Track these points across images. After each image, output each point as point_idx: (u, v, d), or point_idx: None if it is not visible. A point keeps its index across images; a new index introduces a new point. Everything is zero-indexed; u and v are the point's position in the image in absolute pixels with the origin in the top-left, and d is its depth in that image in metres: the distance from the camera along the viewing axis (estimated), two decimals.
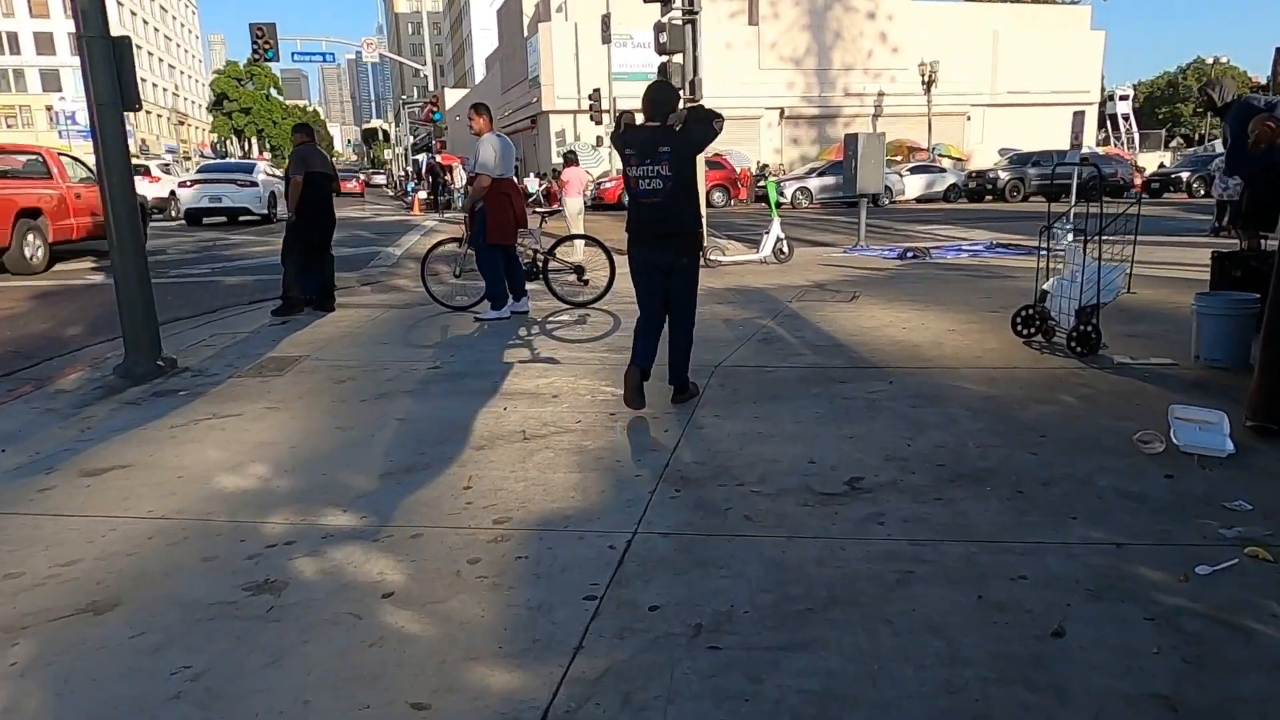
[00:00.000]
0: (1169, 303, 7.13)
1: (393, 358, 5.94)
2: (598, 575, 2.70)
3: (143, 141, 74.87)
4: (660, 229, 4.43)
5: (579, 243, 9.70)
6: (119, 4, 78.37)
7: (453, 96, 59.46)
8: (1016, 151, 31.31)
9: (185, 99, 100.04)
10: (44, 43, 72.60)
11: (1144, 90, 77.52)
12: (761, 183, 22.46)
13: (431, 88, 35.97)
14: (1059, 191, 12.44)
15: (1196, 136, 61.60)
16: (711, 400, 4.65)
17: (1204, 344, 5.07)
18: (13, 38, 74.16)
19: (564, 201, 12.49)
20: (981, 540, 2.86)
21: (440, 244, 8.58)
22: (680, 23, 11.83)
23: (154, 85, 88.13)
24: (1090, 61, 44.15)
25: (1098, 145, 40.79)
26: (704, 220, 4.87)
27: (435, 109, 31.49)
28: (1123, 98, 48.67)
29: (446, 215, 25.04)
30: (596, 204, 26.23)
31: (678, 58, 11.96)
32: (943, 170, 30.51)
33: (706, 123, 4.44)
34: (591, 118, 32.66)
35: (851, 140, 12.58)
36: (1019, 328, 5.84)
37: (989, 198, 27.95)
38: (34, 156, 13.10)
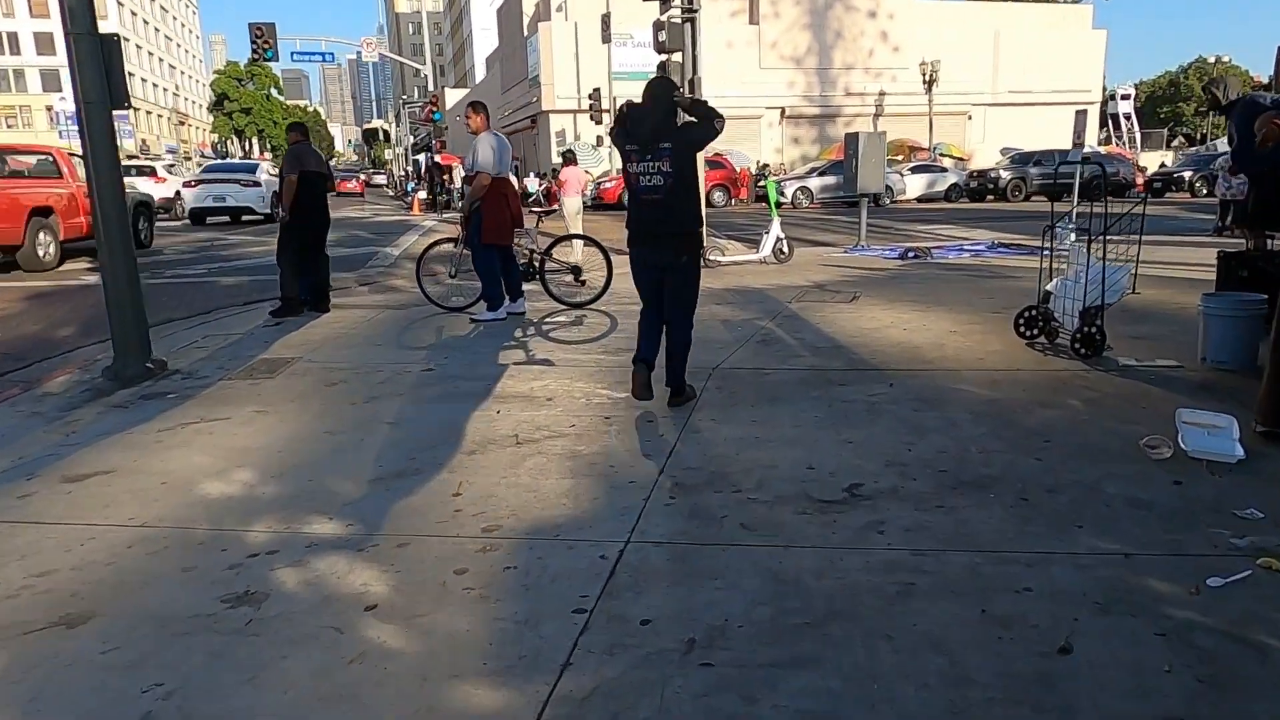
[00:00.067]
0: (1173, 303, 7.04)
1: (386, 360, 5.86)
2: (588, 587, 2.61)
3: (143, 141, 74.91)
4: (661, 227, 4.38)
5: (577, 243, 9.61)
6: (119, 4, 78.39)
7: (453, 96, 59.37)
8: (1018, 151, 31.18)
9: (186, 99, 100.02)
10: (44, 43, 72.49)
11: (1145, 90, 77.34)
12: (762, 182, 22.38)
13: (431, 88, 35.91)
14: (1061, 191, 12.36)
15: (1198, 136, 61.48)
16: (709, 403, 4.56)
17: (1210, 346, 4.97)
18: (13, 38, 74.14)
19: (562, 201, 12.39)
20: (985, 550, 2.77)
21: (436, 244, 8.49)
22: (679, 21, 11.74)
23: (154, 85, 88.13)
24: (1092, 61, 44.02)
25: (1099, 144, 40.66)
26: (704, 220, 4.78)
27: (435, 109, 31.41)
28: (1124, 97, 48.52)
29: (446, 215, 24.94)
30: (596, 203, 26.17)
31: (677, 56, 11.87)
32: (944, 170, 30.40)
33: (709, 121, 4.38)
34: (591, 117, 32.57)
35: (852, 140, 12.49)
36: (1022, 329, 5.75)
37: (990, 197, 27.84)
38: (45, 156, 13.27)
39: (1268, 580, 2.53)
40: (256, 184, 21.21)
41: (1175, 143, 55.57)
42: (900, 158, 32.49)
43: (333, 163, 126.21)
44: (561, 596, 2.56)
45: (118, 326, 5.52)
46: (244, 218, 21.50)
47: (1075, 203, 10.63)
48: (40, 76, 73.75)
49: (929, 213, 22.97)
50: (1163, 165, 35.63)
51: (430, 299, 7.86)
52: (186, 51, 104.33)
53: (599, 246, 8.09)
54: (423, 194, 29.62)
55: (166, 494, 3.51)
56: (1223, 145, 34.26)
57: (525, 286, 7.67)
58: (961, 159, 35.41)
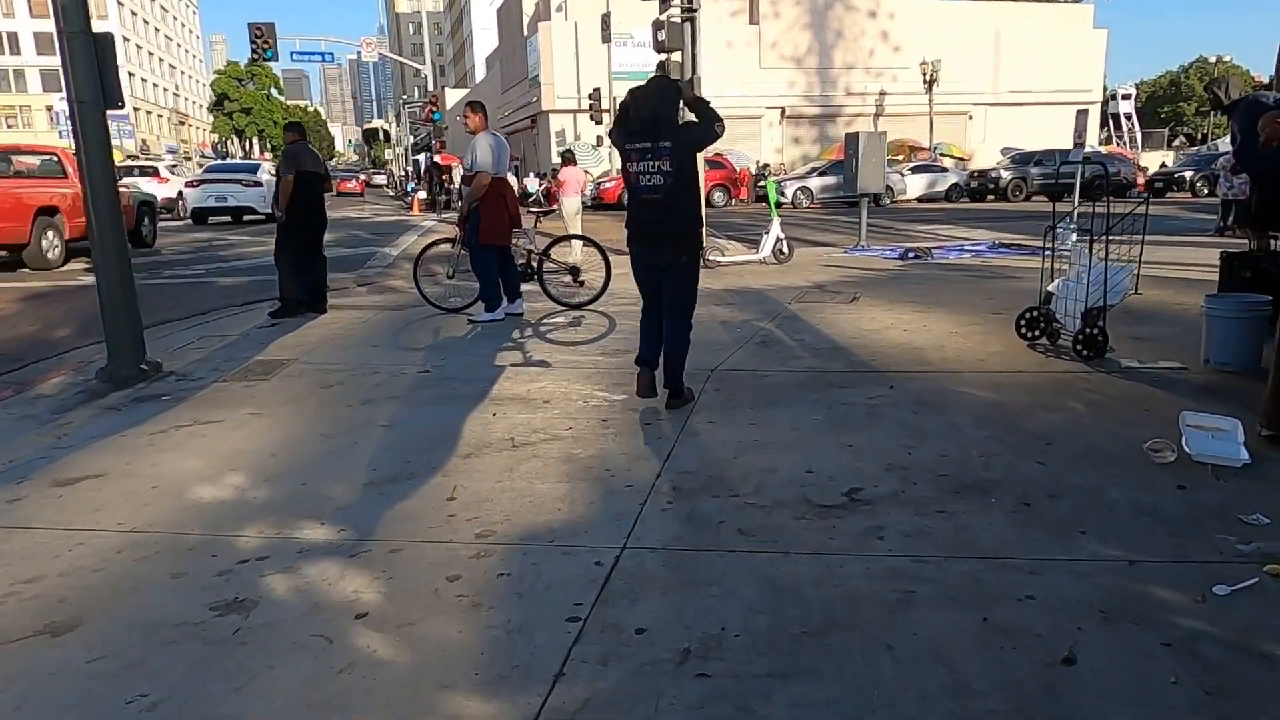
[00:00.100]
0: (1175, 304, 6.99)
1: (382, 361, 5.81)
2: (582, 594, 2.57)
3: (143, 141, 74.88)
4: (661, 227, 4.35)
5: (576, 243, 9.56)
6: (119, 3, 78.35)
7: (453, 96, 59.31)
8: (1019, 151, 31.13)
9: (186, 99, 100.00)
10: (44, 43, 72.40)
11: (1146, 89, 77.25)
12: (761, 183, 22.32)
13: (431, 87, 35.87)
14: (1062, 191, 12.31)
15: (1199, 135, 61.41)
16: (707, 405, 4.52)
17: (1214, 347, 4.93)
18: (13, 38, 74.14)
19: (561, 201, 12.35)
20: (986, 556, 2.72)
21: (434, 244, 8.46)
22: (679, 20, 11.70)
23: (154, 85, 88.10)
24: (1092, 60, 43.95)
25: (1100, 144, 40.61)
26: (704, 221, 4.73)
27: (435, 109, 31.38)
28: (1125, 97, 48.45)
29: (445, 215, 24.89)
30: (596, 204, 26.12)
31: (676, 56, 11.83)
32: (944, 170, 30.35)
33: (709, 123, 4.35)
34: (591, 117, 32.54)
35: (853, 139, 12.44)
36: (1023, 330, 5.70)
37: (991, 197, 27.79)
38: (50, 157, 13.46)
39: (1275, 588, 2.48)
40: (258, 184, 21.38)
41: (1176, 142, 55.48)
42: (901, 158, 32.44)
43: (333, 163, 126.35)
44: (555, 604, 2.52)
45: (111, 328, 5.48)
46: (245, 218, 21.60)
47: (1077, 203, 10.58)
48: (40, 77, 73.73)
49: (929, 213, 22.93)
50: (1163, 165, 35.55)
51: (428, 300, 7.82)
52: (186, 51, 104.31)
53: (597, 247, 8.05)
54: (422, 194, 29.57)
55: (158, 498, 3.47)
56: (1223, 145, 34.21)
57: (523, 287, 7.62)
58: (962, 159, 35.37)
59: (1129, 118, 47.34)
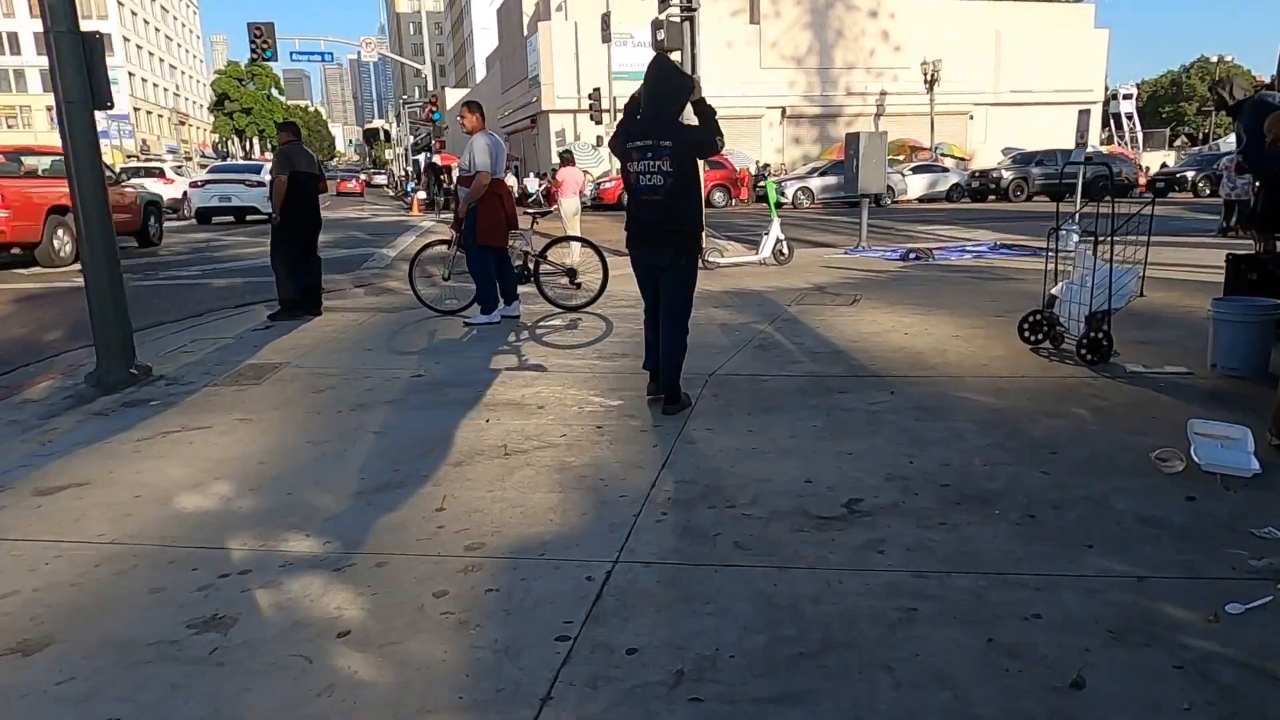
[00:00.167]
0: (1180, 306, 6.90)
1: (375, 365, 5.73)
2: (573, 612, 2.48)
3: (143, 141, 74.83)
4: (660, 227, 4.30)
5: (575, 245, 9.47)
6: (119, 4, 78.31)
7: (454, 96, 59.23)
8: (1020, 151, 31.04)
9: (186, 99, 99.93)
10: (45, 43, 72.42)
11: (1147, 89, 77.14)
12: (761, 183, 22.23)
13: (431, 87, 35.77)
14: (1064, 191, 12.22)
15: (1200, 135, 61.29)
16: (704, 412, 4.43)
17: (1221, 352, 4.84)
18: (13, 38, 74.10)
19: (560, 202, 12.26)
20: (990, 572, 2.63)
21: (430, 245, 8.36)
22: (678, 20, 11.62)
23: (154, 85, 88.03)
24: (1094, 60, 43.86)
25: (1101, 144, 40.51)
26: (704, 224, 4.64)
27: (435, 109, 31.27)
28: (1126, 96, 48.34)
29: (444, 215, 24.81)
30: (596, 204, 26.04)
31: (676, 55, 11.74)
32: (945, 170, 30.26)
33: (712, 131, 4.32)
34: (591, 117, 32.46)
35: (853, 140, 12.35)
36: (1026, 334, 5.61)
37: (992, 197, 27.70)
38: (60, 157, 13.48)
39: None
40: (261, 184, 21.51)
41: (1178, 142, 55.36)
42: (901, 158, 32.36)
43: (333, 162, 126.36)
44: (544, 622, 2.43)
45: (100, 331, 5.40)
46: (248, 218, 21.63)
47: (1079, 203, 10.50)
48: (40, 77, 73.55)
49: (930, 213, 22.84)
50: (1164, 165, 35.46)
51: (423, 302, 7.73)
52: (187, 51, 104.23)
53: (595, 249, 7.96)
54: (422, 194, 29.49)
55: (140, 508, 3.38)
56: (1225, 145, 34.14)
57: (520, 289, 7.54)
58: (963, 159, 35.27)
59: (1130, 117, 47.23)
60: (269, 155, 78.99)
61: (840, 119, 40.84)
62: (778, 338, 6.29)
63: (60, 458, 4.02)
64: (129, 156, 48.32)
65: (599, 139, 34.21)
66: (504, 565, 2.80)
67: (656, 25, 11.65)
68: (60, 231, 12.21)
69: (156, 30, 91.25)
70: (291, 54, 30.52)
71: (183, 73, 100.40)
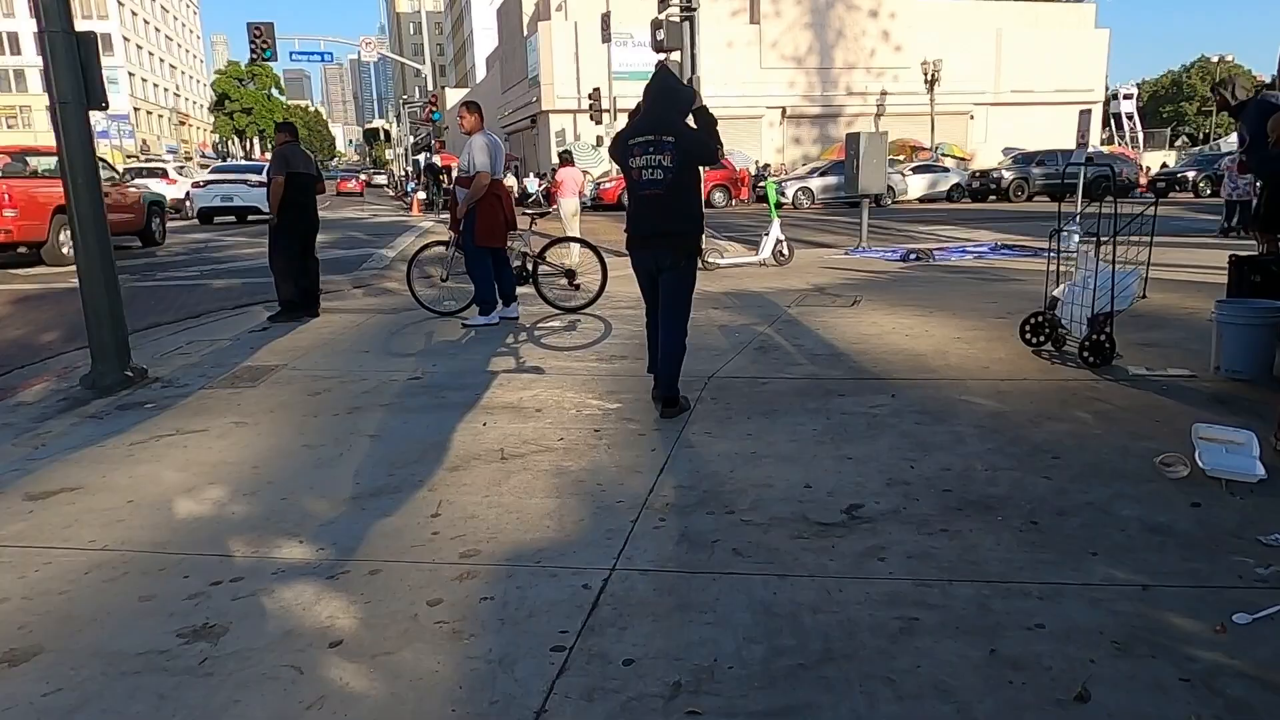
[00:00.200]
0: (1182, 308, 6.86)
1: (372, 367, 5.69)
2: (569, 621, 2.44)
3: (143, 142, 74.81)
4: (661, 225, 4.27)
5: (574, 246, 9.42)
6: (119, 4, 78.27)
7: (454, 96, 59.20)
8: (1020, 151, 31.00)
9: (186, 99, 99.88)
10: (39, 43, 72.32)
11: (1148, 89, 77.10)
12: (761, 183, 22.18)
13: (430, 87, 35.72)
14: (1065, 191, 12.17)
15: (1201, 135, 61.25)
16: (702, 415, 4.39)
17: (1225, 355, 4.79)
18: (13, 38, 74.04)
19: (559, 202, 12.23)
20: (993, 580, 2.59)
21: (429, 246, 8.32)
22: (678, 19, 11.58)
23: (154, 85, 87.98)
24: (1094, 60, 43.83)
25: (1101, 144, 40.46)
26: (704, 227, 4.60)
27: (434, 109, 31.23)
28: (1126, 96, 48.33)
29: (442, 215, 24.77)
30: (596, 204, 26.00)
31: (675, 55, 11.70)
32: (946, 170, 30.21)
33: (714, 138, 4.32)
34: (591, 117, 32.42)
35: (853, 140, 12.31)
36: (1028, 336, 5.57)
37: (992, 198, 27.66)
38: None
39: None
40: (264, 184, 21.49)
41: (1179, 142, 55.32)
42: (902, 158, 32.32)
43: (334, 162, 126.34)
44: (540, 632, 2.39)
45: (95, 333, 5.36)
46: (249, 218, 21.65)
47: (1079, 204, 10.46)
48: (41, 77, 73.63)
49: (931, 213, 22.79)
50: (1164, 165, 35.42)
51: (421, 303, 7.70)
52: (187, 51, 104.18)
53: (594, 250, 7.92)
54: (422, 194, 29.46)
55: (132, 514, 3.34)
56: (1226, 145, 34.09)
57: (518, 290, 7.49)
58: (963, 159, 35.23)
59: (1130, 117, 47.22)
60: (269, 155, 78.88)
61: (840, 119, 40.81)
62: (778, 339, 6.25)
63: (53, 462, 3.99)
64: (129, 157, 48.35)
65: (599, 139, 34.17)
66: (499, 573, 2.76)
67: (656, 25, 11.62)
68: (66, 231, 12.27)
69: (157, 30, 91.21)
70: (291, 54, 30.50)
71: (183, 73, 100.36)
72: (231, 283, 10.74)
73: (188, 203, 23.75)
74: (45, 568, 2.91)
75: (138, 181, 19.71)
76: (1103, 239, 5.08)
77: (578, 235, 10.67)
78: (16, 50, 74.36)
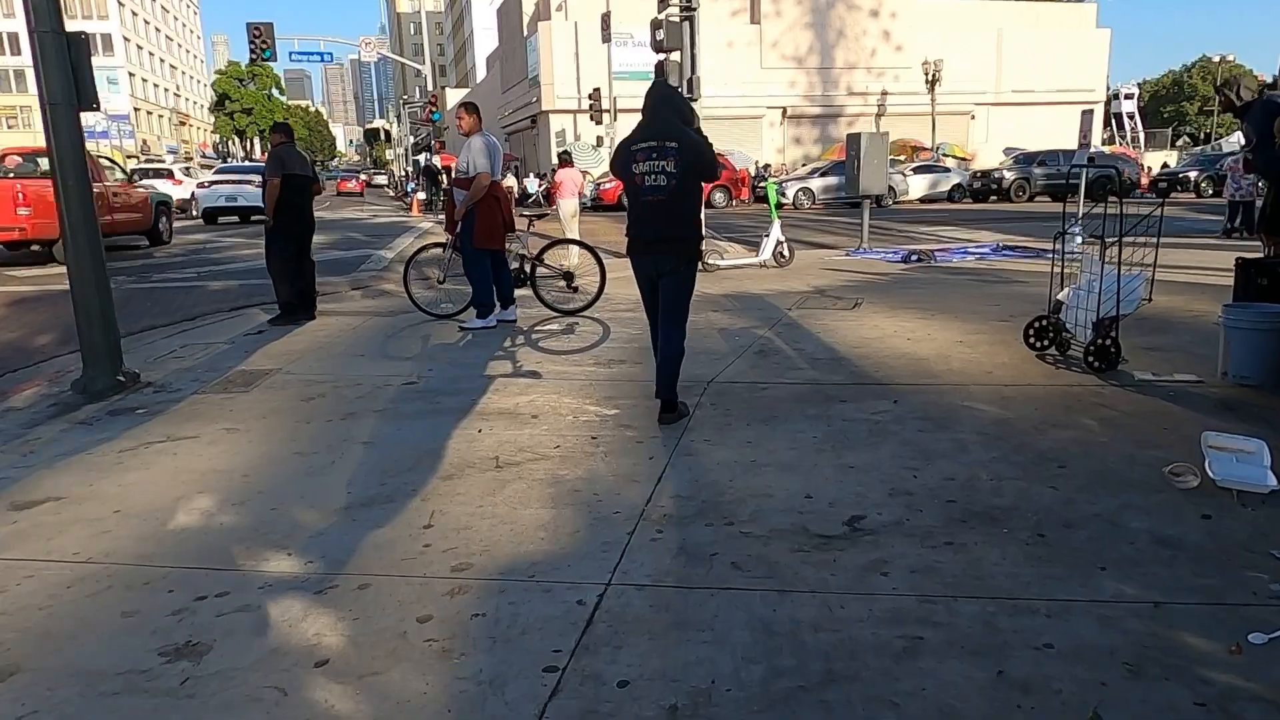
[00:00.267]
0: (1187, 311, 6.78)
1: (368, 372, 5.61)
2: (562, 639, 2.37)
3: (143, 142, 74.74)
4: (664, 231, 4.22)
5: (572, 247, 9.36)
6: (119, 4, 78.20)
7: (454, 96, 59.13)
8: (1021, 151, 30.91)
9: (187, 99, 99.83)
10: (30, 44, 72.18)
11: (1149, 89, 77.00)
12: (762, 184, 22.11)
13: (430, 87, 35.65)
14: (1067, 192, 12.09)
15: (1202, 135, 61.15)
16: (701, 422, 4.32)
17: (1232, 360, 4.72)
18: (13, 38, 73.91)
19: (558, 204, 12.16)
20: (1000, 596, 2.52)
21: (426, 248, 8.25)
22: (678, 19, 11.51)
23: (155, 85, 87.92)
24: (1095, 60, 43.74)
25: (1103, 144, 40.37)
26: (704, 234, 4.55)
27: (434, 109, 31.16)
28: (1128, 96, 48.25)
29: (441, 217, 24.73)
30: (596, 205, 25.93)
31: (675, 55, 11.63)
32: (947, 170, 30.13)
33: (711, 153, 4.30)
34: (592, 117, 32.33)
35: (854, 140, 12.24)
36: (1032, 340, 5.50)
37: (994, 198, 27.57)
38: None
39: None
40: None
41: (1180, 142, 55.22)
42: (903, 158, 32.23)
43: (334, 162, 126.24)
44: (532, 651, 2.32)
45: (86, 337, 5.30)
46: (253, 218, 21.69)
47: (1082, 206, 10.37)
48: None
49: (932, 213, 22.72)
50: (1165, 165, 35.34)
51: (418, 306, 7.62)
52: (187, 51, 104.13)
53: (592, 252, 7.85)
54: (421, 195, 29.40)
55: (118, 524, 3.27)
56: (1227, 145, 34.01)
57: (516, 292, 7.42)
58: (964, 159, 35.15)
59: (1131, 117, 47.14)
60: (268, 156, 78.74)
61: (841, 119, 40.73)
62: (778, 343, 6.17)
63: (40, 470, 3.91)
64: (129, 157, 48.30)
65: (599, 139, 34.11)
66: (492, 588, 2.69)
67: (656, 25, 11.55)
68: None
69: (157, 30, 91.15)
70: (290, 54, 30.43)
71: (183, 73, 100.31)
72: (229, 284, 10.67)
73: (193, 203, 24.02)
74: (27, 581, 2.83)
75: (145, 182, 19.86)
76: (1108, 241, 5.00)
77: (577, 237, 10.60)
78: (16, 50, 74.21)
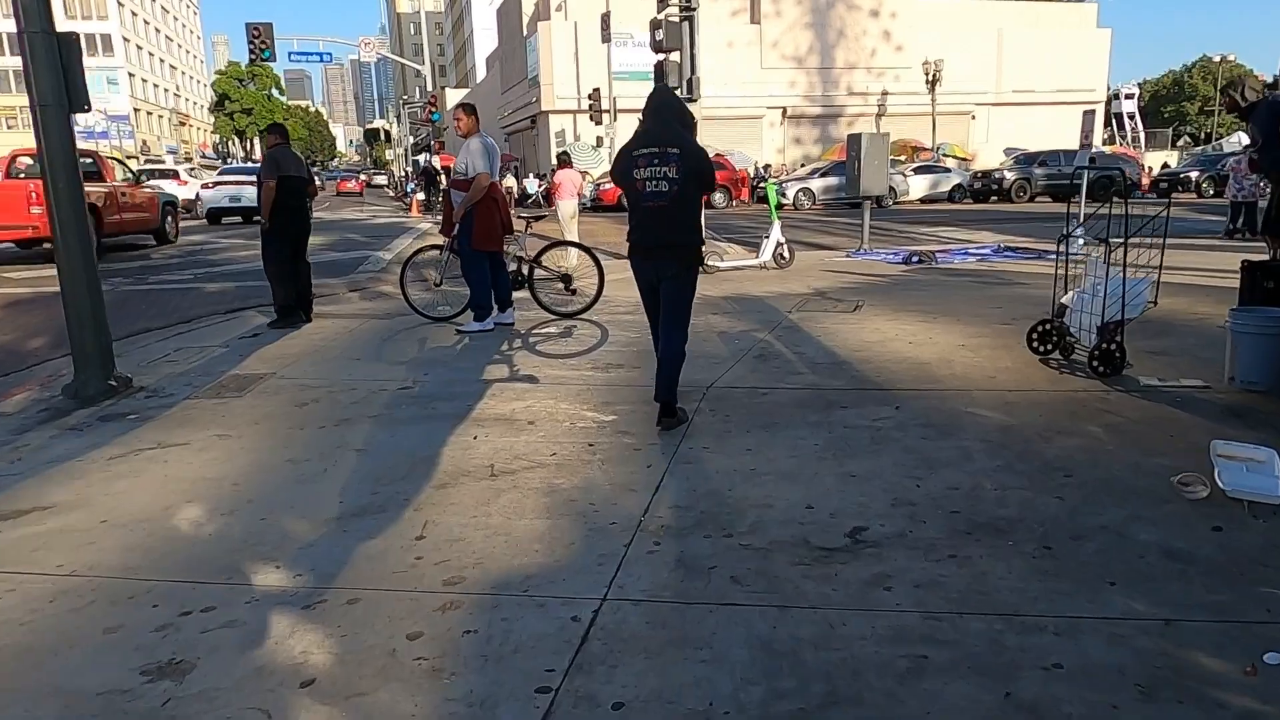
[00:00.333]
0: (1192, 314, 6.71)
1: (363, 376, 5.55)
2: (556, 657, 2.30)
3: (143, 142, 74.66)
4: (665, 236, 4.18)
5: (571, 249, 9.29)
6: (119, 4, 78.13)
7: (454, 96, 59.07)
8: (1022, 151, 30.85)
9: (187, 99, 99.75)
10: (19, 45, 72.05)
11: (1149, 89, 76.92)
12: (761, 185, 22.04)
13: (430, 88, 35.58)
14: (1068, 192, 12.03)
15: (1203, 135, 61.08)
16: (700, 429, 4.25)
17: (1240, 365, 4.64)
18: (13, 38, 73.86)
19: (557, 205, 12.09)
20: (1006, 613, 2.45)
21: (424, 249, 8.18)
22: (677, 19, 11.44)
23: (155, 85, 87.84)
24: (1096, 60, 43.68)
25: (1103, 144, 40.31)
26: (703, 234, 4.50)
27: (434, 109, 31.08)
28: (1128, 96, 48.19)
29: (439, 217, 24.66)
30: (596, 205, 25.87)
31: (675, 55, 11.57)
32: (947, 170, 30.07)
33: (709, 165, 4.26)
34: (591, 118, 32.26)
35: (855, 140, 12.17)
36: (1035, 344, 5.43)
37: (994, 198, 27.51)
38: (87, 159, 14.23)
39: None
40: None
41: (1181, 142, 55.16)
42: (903, 158, 32.18)
43: (334, 163, 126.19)
44: (525, 670, 2.25)
45: (76, 337, 5.22)
46: (255, 218, 21.61)
47: (1083, 207, 10.29)
48: None
49: (932, 214, 22.65)
50: (1165, 165, 35.26)
51: (415, 308, 7.55)
52: (187, 52, 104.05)
53: (591, 254, 7.78)
54: (421, 195, 29.33)
55: (104, 535, 3.20)
56: (1227, 145, 33.94)
57: (514, 295, 7.35)
58: (965, 159, 35.09)
59: (1132, 117, 47.07)
60: None
61: (841, 119, 40.68)
62: (778, 347, 6.10)
63: (28, 478, 3.85)
64: (129, 157, 48.28)
65: (599, 139, 34.05)
66: (484, 603, 2.62)
67: (655, 25, 11.48)
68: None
69: (157, 30, 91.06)
70: (290, 54, 30.38)
71: (183, 73, 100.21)
72: (225, 286, 10.60)
73: (198, 203, 24.23)
74: (8, 595, 2.77)
75: (151, 183, 20.04)
76: (1113, 243, 4.92)
77: (576, 238, 10.54)
78: (16, 51, 74.22)
